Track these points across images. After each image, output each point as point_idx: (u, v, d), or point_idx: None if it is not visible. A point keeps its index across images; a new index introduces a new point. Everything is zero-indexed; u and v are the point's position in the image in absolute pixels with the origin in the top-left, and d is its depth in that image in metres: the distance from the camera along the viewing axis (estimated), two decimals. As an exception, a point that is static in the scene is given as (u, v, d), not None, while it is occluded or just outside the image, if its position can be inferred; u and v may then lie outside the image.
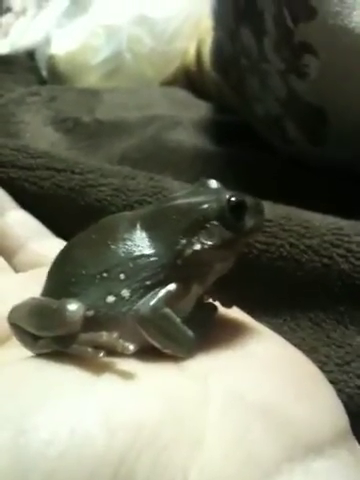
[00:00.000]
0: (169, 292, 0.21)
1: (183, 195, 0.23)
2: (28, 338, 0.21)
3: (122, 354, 0.20)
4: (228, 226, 0.22)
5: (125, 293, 0.21)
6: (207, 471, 0.17)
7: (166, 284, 0.21)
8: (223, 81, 0.53)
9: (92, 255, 0.22)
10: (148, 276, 0.21)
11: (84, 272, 0.21)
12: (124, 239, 0.22)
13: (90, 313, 0.21)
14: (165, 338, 0.21)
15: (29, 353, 0.22)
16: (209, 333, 0.22)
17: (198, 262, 0.22)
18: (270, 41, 0.39)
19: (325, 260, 0.30)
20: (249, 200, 0.22)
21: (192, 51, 0.66)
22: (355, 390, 0.28)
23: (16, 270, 0.33)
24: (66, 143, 0.49)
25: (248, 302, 0.26)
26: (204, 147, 0.48)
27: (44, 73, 0.67)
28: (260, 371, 0.21)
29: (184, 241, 0.21)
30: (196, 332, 0.22)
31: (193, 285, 0.22)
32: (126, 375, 0.19)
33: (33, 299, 0.22)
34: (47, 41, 0.66)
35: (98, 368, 0.20)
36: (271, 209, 0.32)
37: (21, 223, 0.35)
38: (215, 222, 0.21)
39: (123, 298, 0.21)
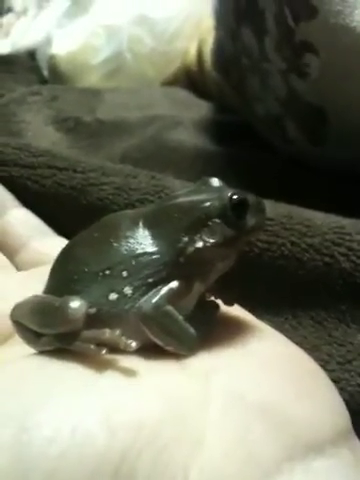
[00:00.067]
0: (171, 290, 0.21)
1: (185, 193, 0.23)
2: (30, 335, 0.21)
3: (124, 351, 0.20)
4: (230, 224, 0.22)
5: (127, 290, 0.21)
6: (207, 470, 0.17)
7: (168, 282, 0.21)
8: (224, 81, 0.53)
9: (94, 253, 0.22)
10: (150, 274, 0.21)
11: (86, 270, 0.21)
12: (126, 237, 0.22)
13: (92, 310, 0.21)
14: (167, 335, 0.21)
15: (31, 350, 0.22)
16: (211, 331, 0.22)
17: (200, 260, 0.22)
18: (271, 40, 0.39)
19: (327, 259, 0.30)
20: (251, 198, 0.22)
21: (193, 51, 0.66)
22: (356, 389, 0.28)
23: (18, 268, 0.33)
24: (67, 142, 0.49)
25: (250, 300, 0.26)
26: (205, 147, 0.49)
27: (45, 73, 0.67)
28: (261, 370, 0.21)
29: (186, 239, 0.21)
30: (198, 330, 0.22)
31: (195, 283, 0.22)
32: (128, 373, 0.19)
33: (35, 297, 0.22)
34: (48, 41, 0.66)
35: (100, 365, 0.20)
36: (272, 208, 0.32)
37: (23, 222, 0.35)
38: (217, 220, 0.21)
39: (125, 295, 0.21)
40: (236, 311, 0.25)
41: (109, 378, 0.19)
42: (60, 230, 0.35)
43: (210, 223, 0.22)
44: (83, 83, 0.64)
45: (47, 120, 0.51)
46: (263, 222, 0.23)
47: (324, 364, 0.29)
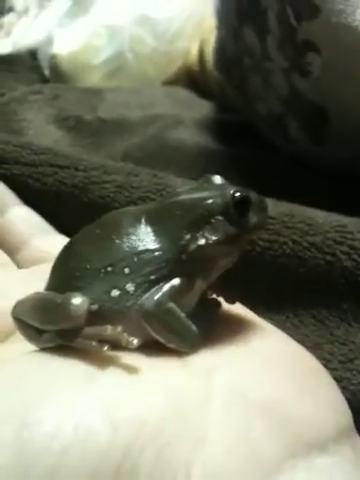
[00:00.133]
0: (173, 287, 0.21)
1: (187, 190, 0.23)
2: (32, 332, 0.21)
3: (126, 348, 0.20)
4: (232, 222, 0.22)
5: (130, 287, 0.21)
6: (209, 467, 0.17)
7: (170, 279, 0.21)
8: (226, 80, 0.53)
9: (96, 249, 0.22)
10: (153, 270, 0.21)
11: (88, 266, 0.21)
12: (129, 234, 0.22)
13: (94, 307, 0.21)
14: (169, 333, 0.21)
15: (33, 347, 0.22)
16: (213, 328, 0.22)
17: (202, 257, 0.22)
18: (273, 39, 0.39)
19: (328, 257, 0.30)
20: (253, 196, 0.22)
21: (194, 51, 0.66)
22: (358, 387, 0.28)
23: (19, 266, 0.33)
24: (69, 141, 0.49)
25: (251, 299, 0.26)
26: (206, 146, 0.49)
27: (46, 72, 0.67)
28: (263, 367, 0.21)
29: (188, 236, 0.21)
30: (200, 327, 0.21)
31: (197, 280, 0.22)
32: (130, 370, 0.19)
33: (37, 293, 0.22)
34: (49, 41, 0.66)
35: (102, 362, 0.20)
36: (274, 206, 0.32)
37: (24, 219, 0.35)
38: (220, 217, 0.21)
39: (128, 292, 0.21)
40: (238, 309, 0.25)
41: (111, 375, 0.19)
42: (61, 228, 0.35)
43: (212, 220, 0.21)
44: (84, 83, 0.64)
45: (48, 119, 0.51)
46: (265, 220, 0.23)
47: (326, 363, 0.29)
